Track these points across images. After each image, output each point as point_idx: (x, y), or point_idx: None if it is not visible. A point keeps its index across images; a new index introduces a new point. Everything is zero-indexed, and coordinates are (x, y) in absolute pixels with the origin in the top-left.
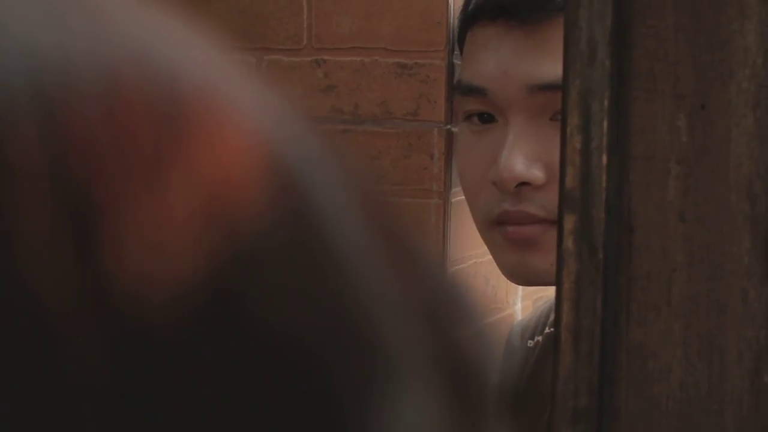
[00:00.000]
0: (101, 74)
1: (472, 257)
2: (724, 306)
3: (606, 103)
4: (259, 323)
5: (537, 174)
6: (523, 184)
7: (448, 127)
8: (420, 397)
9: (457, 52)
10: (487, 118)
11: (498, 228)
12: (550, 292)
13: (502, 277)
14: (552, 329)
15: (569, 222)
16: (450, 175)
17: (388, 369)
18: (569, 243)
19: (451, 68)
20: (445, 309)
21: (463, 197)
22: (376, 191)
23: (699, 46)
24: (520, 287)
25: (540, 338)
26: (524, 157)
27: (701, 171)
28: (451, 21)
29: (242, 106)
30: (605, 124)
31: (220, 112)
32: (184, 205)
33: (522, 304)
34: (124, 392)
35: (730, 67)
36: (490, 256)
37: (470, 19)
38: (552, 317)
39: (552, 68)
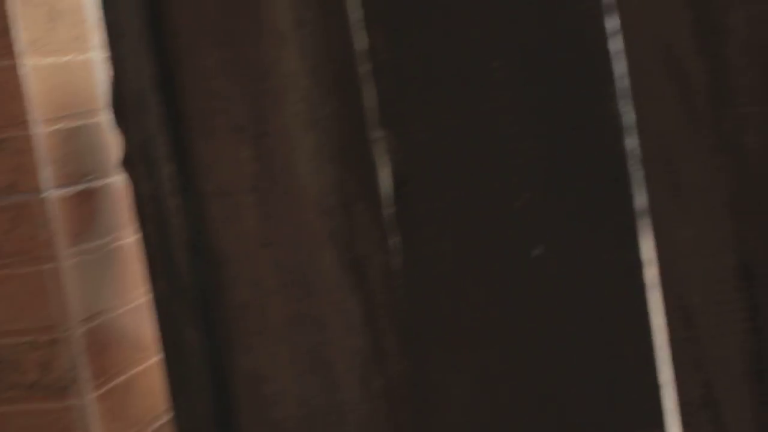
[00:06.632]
0: None
1: (99, 315)
2: (323, 321)
3: (166, 147)
4: None
5: None
6: None
7: (47, 194)
8: None
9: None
10: None
11: None
12: None
13: (141, 327)
14: None
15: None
16: (60, 239)
17: None
18: (162, 285)
19: (38, 136)
20: None
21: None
22: None
23: (246, 78)
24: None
25: None
26: None
27: (274, 196)
28: (25, 93)
29: None
30: (170, 167)
31: None
32: None
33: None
34: None
35: (279, 93)
36: (120, 311)
37: None
38: None
39: None
